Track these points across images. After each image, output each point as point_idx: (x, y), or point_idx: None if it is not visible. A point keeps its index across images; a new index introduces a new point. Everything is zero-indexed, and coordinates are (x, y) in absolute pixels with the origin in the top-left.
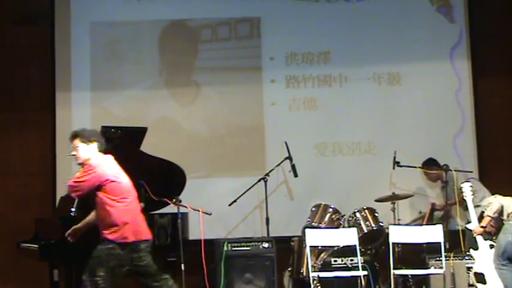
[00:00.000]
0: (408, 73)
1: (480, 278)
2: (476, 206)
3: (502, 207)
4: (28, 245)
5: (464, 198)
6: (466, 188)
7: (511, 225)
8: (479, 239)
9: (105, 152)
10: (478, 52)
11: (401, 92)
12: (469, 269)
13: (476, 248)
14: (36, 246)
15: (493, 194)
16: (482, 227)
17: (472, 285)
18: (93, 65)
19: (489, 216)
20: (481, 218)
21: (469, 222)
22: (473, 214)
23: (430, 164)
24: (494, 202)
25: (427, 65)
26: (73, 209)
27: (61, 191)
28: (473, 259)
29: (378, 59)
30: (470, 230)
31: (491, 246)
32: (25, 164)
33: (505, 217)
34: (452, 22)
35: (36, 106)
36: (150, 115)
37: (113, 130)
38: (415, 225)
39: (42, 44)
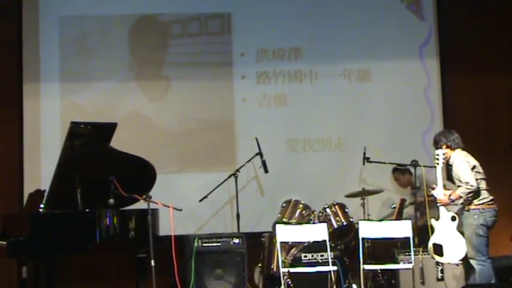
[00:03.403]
0: (378, 70)
1: (438, 249)
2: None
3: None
4: None
5: (436, 164)
6: (440, 155)
7: (475, 220)
8: (442, 210)
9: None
10: (446, 49)
11: (371, 89)
12: (437, 263)
13: (437, 218)
14: (5, 243)
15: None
16: (451, 200)
17: (441, 279)
18: (62, 59)
19: (461, 196)
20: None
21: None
22: (440, 182)
23: (402, 169)
24: (474, 185)
25: (396, 62)
26: (42, 206)
27: (29, 187)
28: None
29: (349, 56)
30: (435, 198)
31: (453, 218)
32: None
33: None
34: (421, 19)
35: (3, 101)
36: (120, 110)
37: (82, 126)
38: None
39: (9, 39)
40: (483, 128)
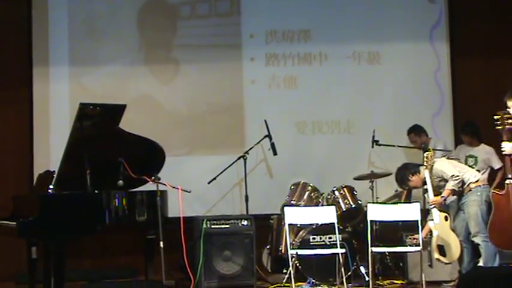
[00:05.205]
0: (388, 52)
1: (442, 250)
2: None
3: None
4: (6, 222)
5: (425, 167)
6: (429, 157)
7: (478, 196)
8: (435, 211)
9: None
10: (456, 32)
11: (380, 71)
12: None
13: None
14: (14, 223)
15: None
16: (444, 199)
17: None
18: (71, 41)
19: (454, 189)
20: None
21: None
22: (429, 184)
23: (418, 130)
24: (459, 174)
25: (406, 44)
26: (51, 186)
27: (38, 168)
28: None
29: (358, 38)
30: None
31: (446, 218)
32: (1, 140)
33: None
34: (432, 2)
35: (13, 83)
36: (129, 92)
37: (91, 107)
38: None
39: (19, 21)
40: (494, 112)
